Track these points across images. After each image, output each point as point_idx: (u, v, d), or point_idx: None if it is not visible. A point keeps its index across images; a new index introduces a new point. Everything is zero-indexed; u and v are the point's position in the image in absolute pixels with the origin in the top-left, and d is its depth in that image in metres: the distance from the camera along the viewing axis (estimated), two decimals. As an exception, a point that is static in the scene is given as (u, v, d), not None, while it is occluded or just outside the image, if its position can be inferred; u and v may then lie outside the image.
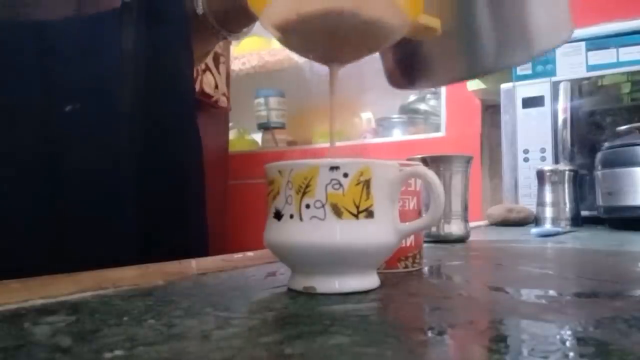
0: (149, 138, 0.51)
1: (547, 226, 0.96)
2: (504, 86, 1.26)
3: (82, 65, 0.45)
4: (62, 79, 0.44)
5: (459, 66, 0.44)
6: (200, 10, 0.55)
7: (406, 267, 0.40)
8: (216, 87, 1.75)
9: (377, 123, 1.98)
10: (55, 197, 0.43)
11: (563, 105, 1.14)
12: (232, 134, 2.15)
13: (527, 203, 1.14)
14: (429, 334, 0.22)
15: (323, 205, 0.29)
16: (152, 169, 0.51)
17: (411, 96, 1.92)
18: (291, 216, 0.29)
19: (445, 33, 0.42)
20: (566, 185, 0.98)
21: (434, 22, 0.39)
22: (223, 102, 1.80)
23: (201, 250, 0.56)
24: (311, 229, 0.29)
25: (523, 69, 1.27)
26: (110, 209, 0.47)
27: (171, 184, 0.54)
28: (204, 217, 0.60)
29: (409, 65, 0.46)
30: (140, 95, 0.50)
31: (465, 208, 0.65)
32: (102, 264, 0.39)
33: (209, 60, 1.70)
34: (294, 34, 0.37)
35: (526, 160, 1.21)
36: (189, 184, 0.57)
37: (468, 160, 0.65)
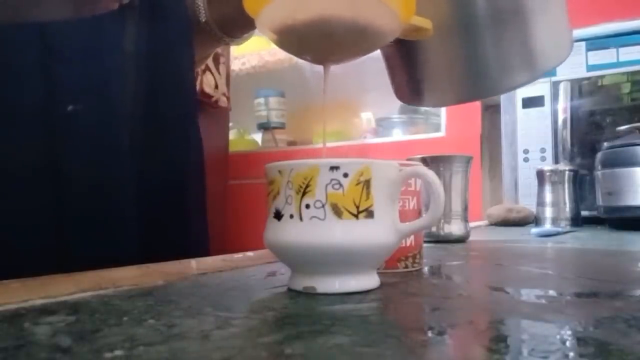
0: (150, 138, 0.51)
1: (547, 226, 0.96)
2: (504, 86, 1.26)
3: (83, 65, 0.45)
4: (63, 80, 0.44)
5: (464, 88, 0.45)
6: (203, 17, 0.55)
7: (406, 267, 0.40)
8: (216, 87, 1.75)
9: (377, 123, 1.98)
10: (57, 198, 0.43)
11: (563, 105, 1.14)
12: (232, 134, 2.15)
13: (527, 203, 1.14)
14: (429, 334, 0.22)
15: (323, 205, 0.29)
16: (153, 169, 0.51)
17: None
18: (291, 216, 0.29)
19: (451, 56, 0.43)
20: (566, 185, 0.98)
21: (426, 24, 0.39)
22: (223, 102, 1.80)
23: (202, 250, 0.56)
24: (311, 229, 0.29)
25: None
26: (111, 209, 0.47)
27: (172, 184, 0.54)
28: (204, 217, 0.60)
29: (416, 82, 0.47)
30: (141, 95, 0.50)
31: (465, 208, 0.65)
32: (102, 264, 0.39)
33: (209, 60, 1.70)
34: (289, 37, 0.37)
35: (526, 160, 1.21)
36: (190, 184, 0.57)
37: (468, 160, 0.65)
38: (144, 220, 0.50)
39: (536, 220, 1.01)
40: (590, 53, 1.21)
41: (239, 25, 0.56)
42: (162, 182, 0.52)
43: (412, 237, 0.40)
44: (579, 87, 1.17)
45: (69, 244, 0.44)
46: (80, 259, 0.42)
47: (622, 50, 1.18)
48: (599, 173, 0.96)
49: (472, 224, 0.69)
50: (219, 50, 1.76)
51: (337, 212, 0.29)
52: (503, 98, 1.26)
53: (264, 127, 2.18)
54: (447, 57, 0.43)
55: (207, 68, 1.69)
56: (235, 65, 2.15)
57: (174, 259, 0.45)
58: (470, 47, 0.42)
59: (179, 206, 0.55)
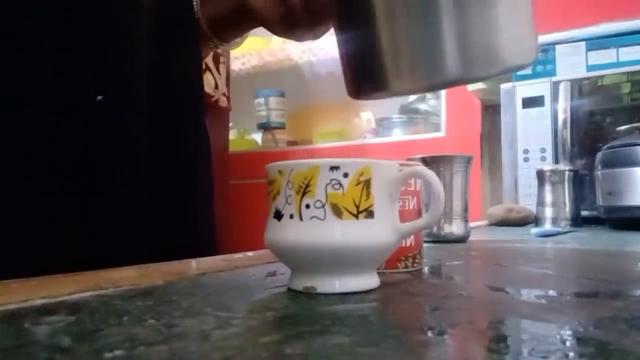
0: (159, 135, 0.51)
1: (547, 226, 0.96)
2: (504, 86, 1.25)
3: (104, 58, 0.45)
4: (83, 71, 0.44)
5: (419, 77, 0.41)
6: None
7: (406, 267, 0.40)
8: (216, 87, 1.75)
9: (377, 123, 1.98)
10: (65, 197, 0.43)
11: (563, 105, 1.14)
12: (232, 134, 2.15)
13: (527, 203, 1.14)
14: (429, 334, 0.22)
15: (323, 205, 0.29)
16: (161, 166, 0.51)
17: (411, 96, 1.92)
18: (291, 216, 0.29)
19: (409, 41, 0.40)
20: (566, 185, 0.98)
21: None
22: (223, 102, 1.80)
23: (210, 247, 0.56)
24: (311, 229, 0.29)
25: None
26: (120, 207, 0.47)
27: (181, 183, 0.54)
28: (212, 214, 0.60)
29: (366, 74, 0.44)
30: (150, 93, 0.50)
31: (466, 208, 0.65)
32: (112, 261, 0.39)
33: (209, 60, 1.70)
34: None
35: (526, 160, 1.21)
36: (198, 181, 0.57)
37: (468, 160, 0.64)
38: (153, 218, 0.50)
39: (536, 220, 1.01)
40: (590, 53, 1.21)
41: (229, 27, 0.57)
42: (171, 179, 0.52)
43: (412, 237, 0.40)
44: (579, 87, 1.17)
45: (81, 243, 0.44)
46: (91, 257, 0.43)
47: (622, 50, 1.18)
48: (599, 173, 0.96)
49: (472, 224, 0.69)
50: (218, 50, 1.76)
51: (337, 212, 0.29)
52: (503, 98, 1.26)
53: (264, 127, 2.18)
54: (404, 43, 0.40)
55: (207, 68, 1.69)
56: (235, 65, 2.15)
57: (183, 256, 0.45)
58: (429, 35, 0.39)
59: (189, 204, 0.55)
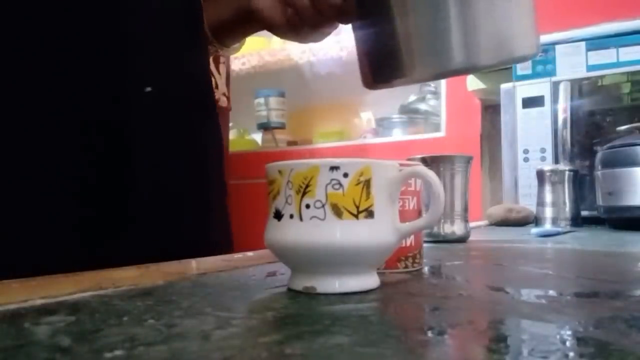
0: (168, 135, 0.51)
1: (547, 226, 0.96)
2: (504, 86, 1.25)
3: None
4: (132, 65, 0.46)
5: (434, 64, 0.45)
6: None
7: (406, 267, 0.40)
8: (216, 87, 1.75)
9: (377, 123, 1.98)
10: (65, 197, 0.43)
11: (563, 105, 1.14)
12: (232, 134, 2.15)
13: (527, 203, 1.14)
14: (429, 334, 0.22)
15: (323, 205, 0.29)
16: (169, 166, 0.51)
17: (411, 96, 1.92)
18: (291, 216, 0.29)
19: (424, 32, 0.44)
20: (566, 185, 0.98)
21: None
22: (223, 102, 1.80)
23: (225, 242, 0.56)
24: (311, 229, 0.29)
25: (523, 69, 1.27)
26: (123, 207, 0.47)
27: (190, 180, 0.54)
28: (226, 214, 0.60)
29: (378, 64, 0.47)
30: (158, 93, 0.51)
31: (466, 208, 0.65)
32: (114, 262, 0.39)
33: (209, 60, 1.70)
34: None
35: (526, 160, 1.21)
36: (209, 180, 0.57)
37: (468, 160, 0.64)
38: (167, 214, 0.50)
39: (536, 220, 1.01)
40: (590, 53, 1.21)
41: (232, 30, 0.58)
42: (179, 180, 0.52)
43: (412, 237, 0.40)
44: (579, 87, 1.17)
45: (93, 241, 0.44)
46: (105, 252, 0.43)
47: (622, 50, 1.18)
48: (599, 173, 0.96)
49: (472, 224, 0.69)
50: (219, 50, 1.76)
51: (337, 212, 0.29)
52: (503, 98, 1.26)
53: (264, 127, 2.18)
54: (412, 34, 0.44)
55: (207, 68, 1.69)
56: (235, 65, 2.15)
57: (198, 251, 0.46)
58: (436, 25, 0.42)
59: (203, 197, 0.55)
